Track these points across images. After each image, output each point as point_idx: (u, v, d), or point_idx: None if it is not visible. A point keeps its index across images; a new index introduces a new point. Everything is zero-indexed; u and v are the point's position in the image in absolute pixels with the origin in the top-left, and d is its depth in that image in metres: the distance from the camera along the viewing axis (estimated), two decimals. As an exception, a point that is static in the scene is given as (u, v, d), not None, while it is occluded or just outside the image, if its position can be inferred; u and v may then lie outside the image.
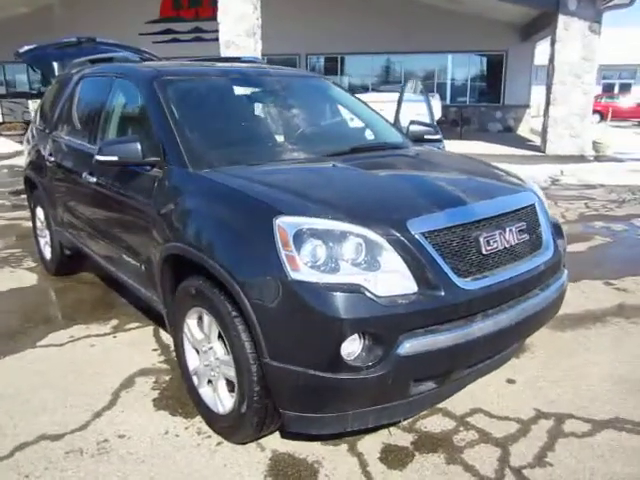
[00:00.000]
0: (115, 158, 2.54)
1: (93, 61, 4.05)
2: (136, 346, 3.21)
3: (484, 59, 16.92)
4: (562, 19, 10.12)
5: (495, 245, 2.11)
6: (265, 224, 1.94)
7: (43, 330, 3.43)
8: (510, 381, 2.78)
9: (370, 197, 2.18)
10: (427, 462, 2.20)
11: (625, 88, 25.05)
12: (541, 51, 16.73)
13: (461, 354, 1.99)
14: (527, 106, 16.65)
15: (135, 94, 2.99)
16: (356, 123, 3.33)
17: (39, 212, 4.45)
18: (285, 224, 1.91)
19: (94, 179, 3.07)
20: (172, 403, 2.62)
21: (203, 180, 2.33)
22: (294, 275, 1.85)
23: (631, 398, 2.62)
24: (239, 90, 3.06)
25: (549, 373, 2.84)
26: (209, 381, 2.38)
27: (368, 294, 1.83)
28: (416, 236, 1.94)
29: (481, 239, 2.08)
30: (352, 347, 1.85)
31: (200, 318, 2.36)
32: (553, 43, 10.47)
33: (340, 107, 3.44)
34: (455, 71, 17.08)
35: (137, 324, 3.51)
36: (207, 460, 2.23)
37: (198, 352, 2.43)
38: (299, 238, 1.88)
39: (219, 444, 2.32)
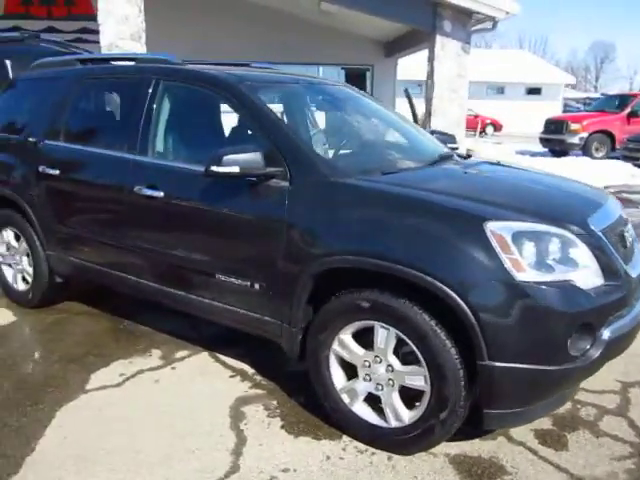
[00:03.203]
0: (236, 169, 2.32)
1: (83, 61, 3.56)
2: (208, 375, 2.92)
3: (353, 72, 17.92)
4: (439, 39, 11.24)
5: (630, 239, 2.41)
6: (474, 231, 1.98)
7: (78, 372, 2.93)
8: (581, 360, 3.13)
9: (538, 200, 2.33)
10: (580, 439, 2.41)
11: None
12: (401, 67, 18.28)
13: (631, 336, 2.24)
14: (391, 117, 18.05)
15: (210, 98, 2.75)
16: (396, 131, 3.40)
17: (7, 235, 3.75)
18: (499, 229, 1.97)
19: (159, 193, 2.73)
20: (305, 427, 2.47)
21: (364, 190, 2.25)
22: (520, 276, 1.92)
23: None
24: (315, 99, 2.97)
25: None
26: (369, 396, 2.31)
27: (581, 289, 1.99)
28: (598, 233, 2.15)
29: (624, 234, 2.36)
30: (572, 338, 1.98)
31: (358, 332, 2.28)
32: (431, 60, 11.56)
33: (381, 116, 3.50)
34: (326, 83, 17.85)
35: (186, 351, 3.18)
36: (394, 475, 2.17)
37: (349, 369, 2.34)
38: (518, 241, 1.96)
39: (390, 459, 2.26)
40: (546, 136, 13.71)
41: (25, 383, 2.81)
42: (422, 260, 2.02)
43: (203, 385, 2.82)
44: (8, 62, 3.96)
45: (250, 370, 2.97)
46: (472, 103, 29.08)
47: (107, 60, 3.48)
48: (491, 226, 1.98)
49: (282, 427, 2.47)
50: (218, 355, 3.14)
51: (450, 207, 2.09)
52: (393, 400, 2.23)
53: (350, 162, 2.49)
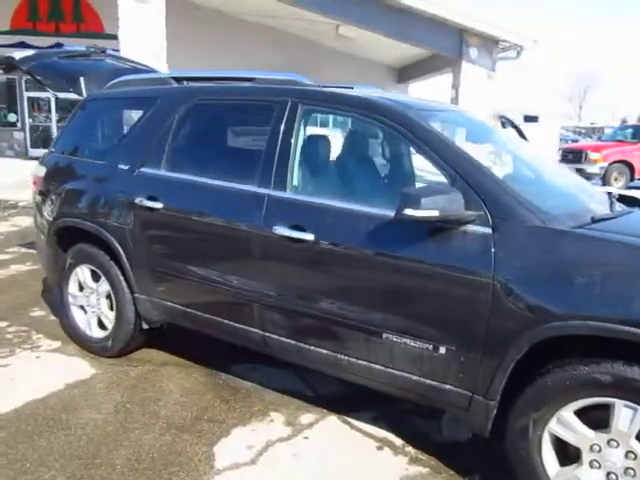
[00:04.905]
0: (435, 213, 1.96)
1: (179, 79, 3.18)
2: (351, 447, 2.50)
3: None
4: (465, 65, 11.15)
5: None
6: None
7: (196, 443, 2.47)
8: None
9: None
10: None
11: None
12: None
13: None
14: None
15: (365, 126, 2.39)
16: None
17: (82, 274, 3.29)
18: None
19: (309, 235, 2.33)
20: (502, 520, 2.07)
21: (605, 242, 1.89)
22: None
23: None
24: (470, 130, 2.64)
25: None
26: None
27: None
28: None
29: None
30: None
31: (580, 410, 1.90)
32: (456, 87, 11.48)
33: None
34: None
35: (311, 415, 2.75)
36: None
37: (561, 451, 1.96)
38: None
39: None
40: (564, 165, 13.67)
41: (140, 460, 2.34)
42: None
43: (352, 461, 2.39)
44: (82, 79, 3.55)
45: (397, 440, 2.56)
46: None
47: (210, 79, 3.11)
48: None
49: (476, 521, 2.07)
50: (349, 420, 2.71)
51: None
52: (642, 497, 1.84)
53: (554, 205, 2.14)
